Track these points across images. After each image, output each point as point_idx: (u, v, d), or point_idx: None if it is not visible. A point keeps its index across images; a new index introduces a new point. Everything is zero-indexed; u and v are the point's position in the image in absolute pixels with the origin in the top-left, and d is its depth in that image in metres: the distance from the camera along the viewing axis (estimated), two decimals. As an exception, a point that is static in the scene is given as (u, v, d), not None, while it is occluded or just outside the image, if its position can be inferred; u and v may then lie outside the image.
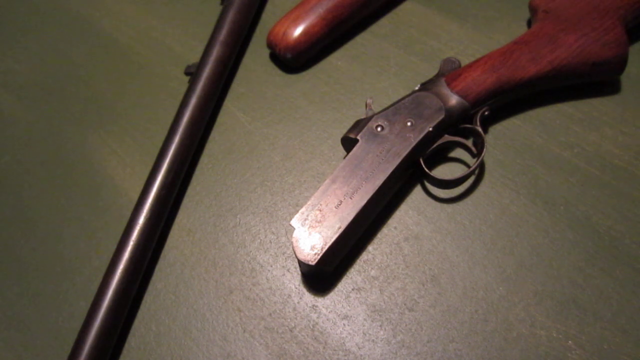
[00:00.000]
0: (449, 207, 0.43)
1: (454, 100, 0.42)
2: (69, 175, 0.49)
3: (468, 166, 0.45)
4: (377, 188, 0.39)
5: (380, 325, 0.39)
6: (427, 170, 0.42)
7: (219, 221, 0.45)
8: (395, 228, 0.43)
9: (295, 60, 0.51)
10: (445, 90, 0.43)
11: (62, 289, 0.43)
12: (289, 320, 0.40)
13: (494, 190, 0.43)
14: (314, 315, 0.40)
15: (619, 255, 0.40)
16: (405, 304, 0.40)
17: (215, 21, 0.54)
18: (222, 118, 0.51)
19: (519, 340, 0.37)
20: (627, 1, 0.45)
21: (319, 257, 0.37)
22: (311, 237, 0.38)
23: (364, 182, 0.39)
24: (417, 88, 0.44)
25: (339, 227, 0.38)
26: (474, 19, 0.54)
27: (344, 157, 0.42)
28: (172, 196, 0.44)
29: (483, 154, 0.42)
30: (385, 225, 0.43)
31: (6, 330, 0.41)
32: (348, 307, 0.40)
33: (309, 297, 0.41)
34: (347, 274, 0.41)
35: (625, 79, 0.48)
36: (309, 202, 0.39)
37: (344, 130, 0.47)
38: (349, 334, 0.39)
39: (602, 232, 0.41)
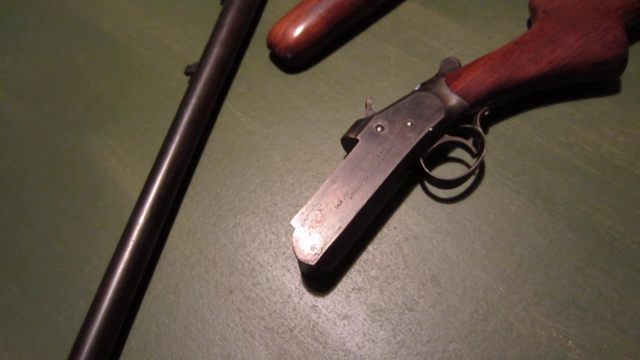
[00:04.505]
0: (449, 207, 0.43)
1: (454, 100, 0.42)
2: (69, 175, 0.49)
3: (468, 166, 0.45)
4: (377, 188, 0.39)
5: (380, 325, 0.39)
6: (427, 170, 0.42)
7: (219, 221, 0.45)
8: (395, 228, 0.43)
9: (295, 60, 0.51)
10: (445, 90, 0.43)
11: (62, 289, 0.43)
12: (289, 320, 0.40)
13: (494, 190, 0.43)
14: (314, 315, 0.40)
15: (619, 255, 0.40)
16: (405, 304, 0.40)
17: (215, 21, 0.54)
18: (222, 118, 0.51)
19: (519, 340, 0.37)
20: (627, 1, 0.45)
21: (319, 257, 0.37)
22: (311, 237, 0.37)
23: (364, 182, 0.39)
24: (417, 88, 0.44)
25: (339, 227, 0.38)
26: (474, 19, 0.54)
27: (344, 157, 0.42)
28: (172, 196, 0.44)
29: (483, 154, 0.42)
30: (385, 225, 0.43)
31: (6, 330, 0.41)
32: (348, 307, 0.40)
33: (309, 297, 0.41)
34: (347, 274, 0.41)
35: (625, 79, 0.48)
36: (309, 202, 0.39)
37: (344, 130, 0.47)
38: (349, 334, 0.39)
39: (602, 232, 0.41)
